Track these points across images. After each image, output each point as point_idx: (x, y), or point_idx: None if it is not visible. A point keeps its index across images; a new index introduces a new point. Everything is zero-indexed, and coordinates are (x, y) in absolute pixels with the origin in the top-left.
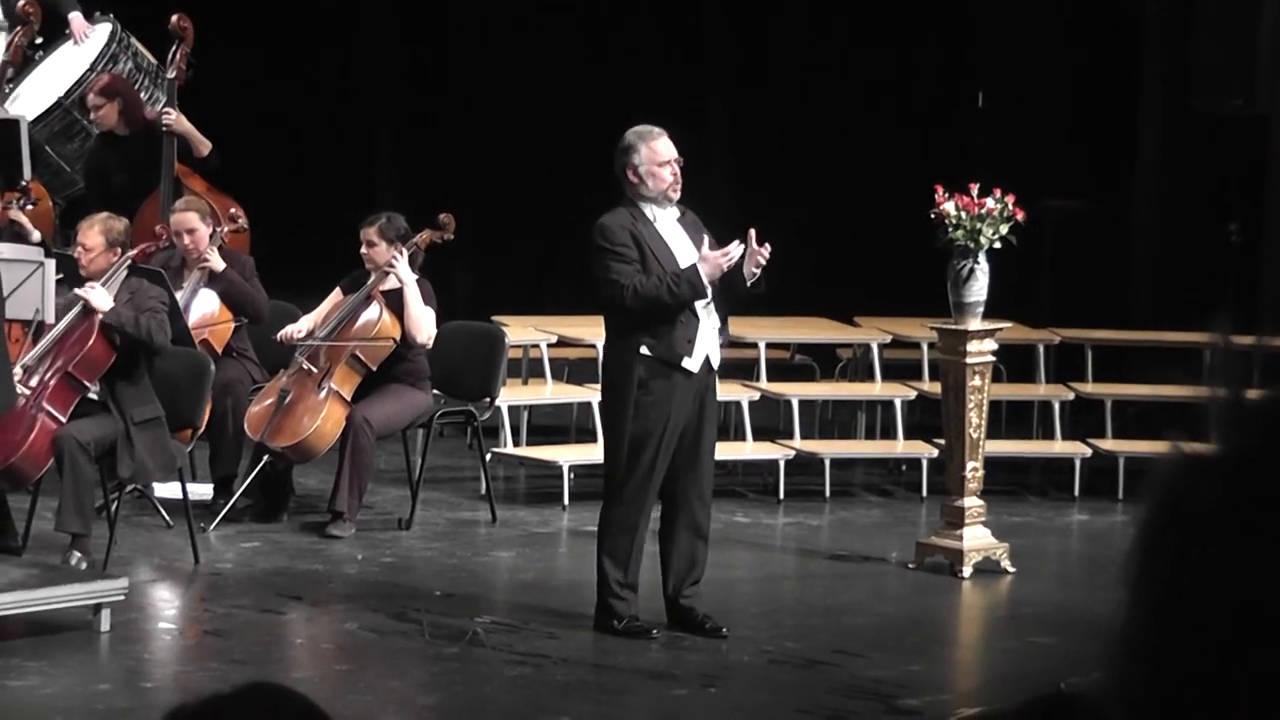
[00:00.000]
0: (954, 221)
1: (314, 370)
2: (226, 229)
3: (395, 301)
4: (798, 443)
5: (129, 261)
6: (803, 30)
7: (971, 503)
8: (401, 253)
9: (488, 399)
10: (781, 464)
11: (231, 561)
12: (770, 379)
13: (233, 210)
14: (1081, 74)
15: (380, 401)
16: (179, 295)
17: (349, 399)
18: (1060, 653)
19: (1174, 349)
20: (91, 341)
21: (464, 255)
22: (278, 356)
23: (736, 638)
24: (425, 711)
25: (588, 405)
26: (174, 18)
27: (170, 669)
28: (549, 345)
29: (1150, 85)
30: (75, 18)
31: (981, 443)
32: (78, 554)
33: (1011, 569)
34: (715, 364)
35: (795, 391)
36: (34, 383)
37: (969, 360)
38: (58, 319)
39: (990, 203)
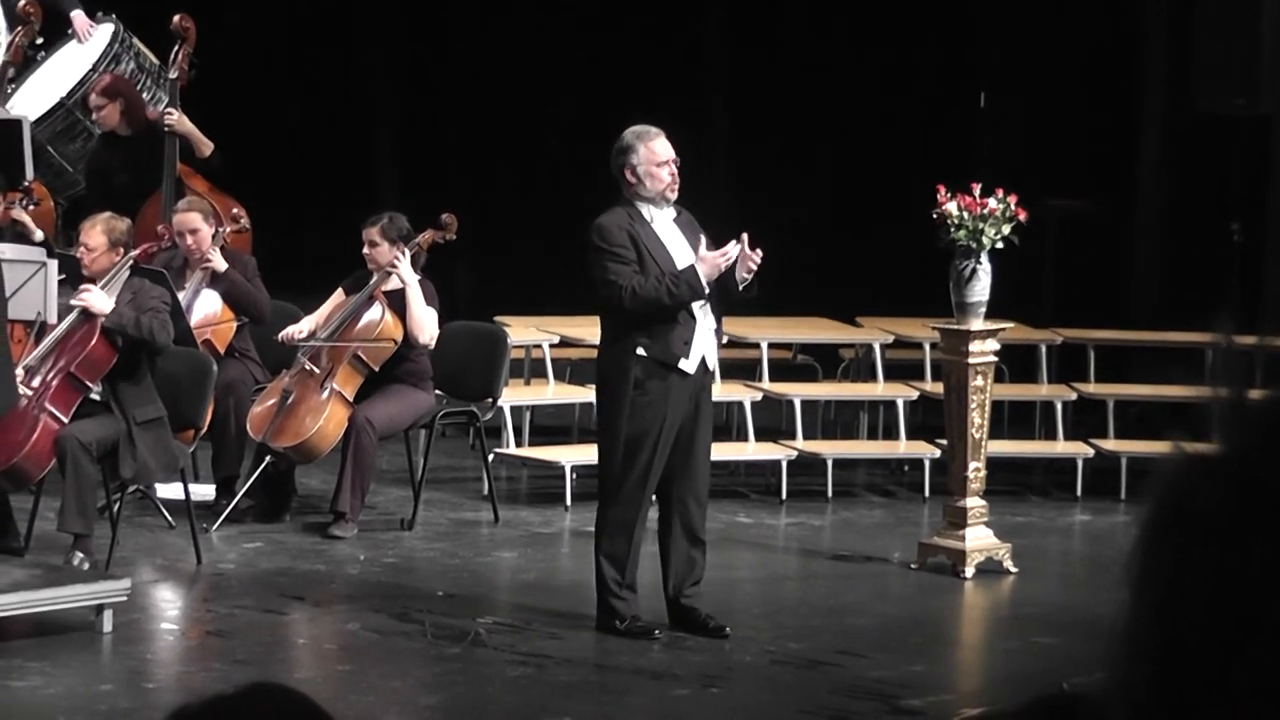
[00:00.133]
0: (956, 221)
1: (316, 371)
2: (229, 229)
3: (397, 302)
4: (800, 443)
5: (131, 262)
6: (804, 30)
7: (974, 503)
8: (404, 253)
9: (490, 399)
10: (784, 464)
11: (234, 562)
12: (772, 379)
13: (235, 210)
14: (1084, 74)
15: (383, 402)
16: (181, 295)
17: (351, 399)
18: (1062, 653)
19: (1176, 349)
20: (94, 342)
21: (466, 255)
22: (280, 357)
23: (739, 638)
24: (427, 712)
25: (590, 405)
26: (176, 18)
27: (173, 669)
28: (551, 345)
29: (1152, 85)
30: (77, 15)
31: (984, 443)
32: (80, 554)
33: (1014, 569)
34: (711, 365)
35: (797, 392)
36: (36, 383)
37: (971, 360)
38: (60, 319)
39: (992, 203)
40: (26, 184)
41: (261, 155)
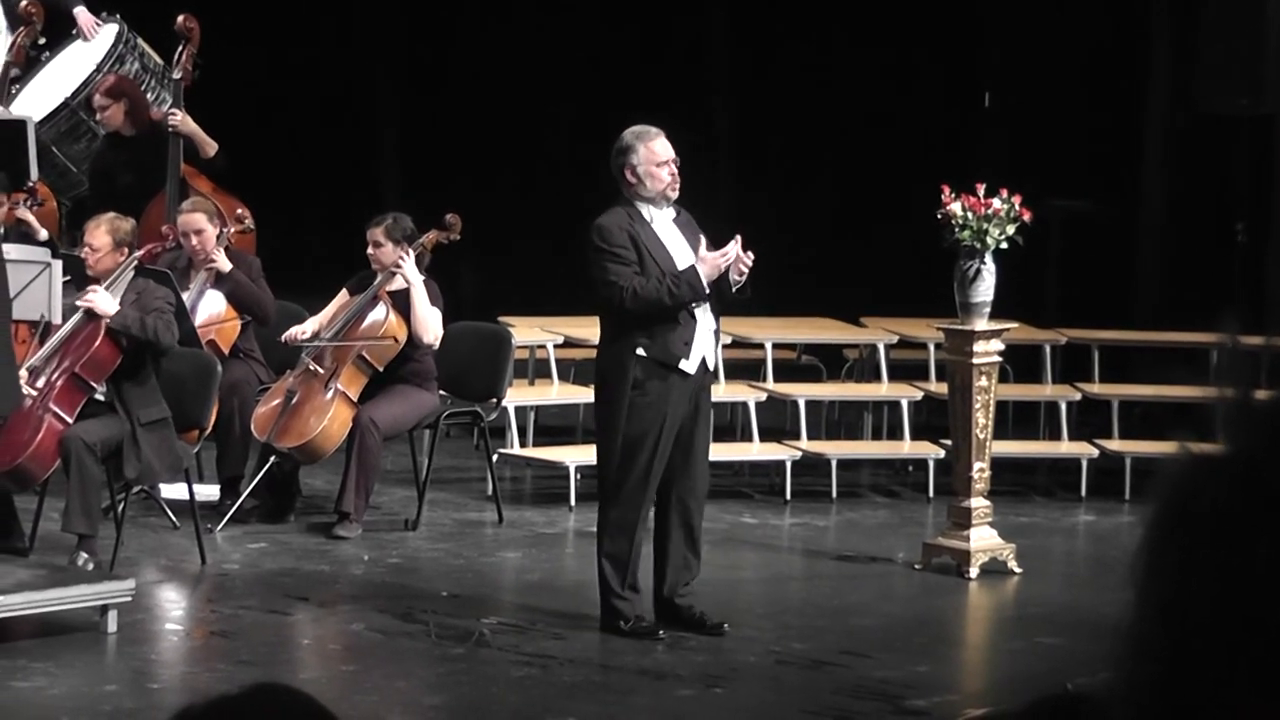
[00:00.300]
0: (961, 222)
1: (320, 371)
2: (233, 230)
3: (402, 302)
4: (804, 443)
5: (135, 262)
6: (806, 29)
7: (978, 503)
8: (408, 253)
9: (494, 399)
10: (788, 464)
11: (238, 562)
12: (777, 379)
13: (239, 211)
14: (1087, 74)
15: (387, 402)
16: (185, 296)
17: (355, 400)
18: (1067, 653)
19: (1180, 349)
20: (98, 342)
21: (470, 256)
22: (284, 357)
23: (743, 638)
24: (431, 712)
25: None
26: (180, 18)
27: (177, 670)
28: (555, 346)
29: (1156, 85)
30: (80, 12)
31: (988, 443)
32: (84, 555)
33: (1018, 569)
34: (711, 365)
35: (802, 392)
36: (41, 384)
37: (975, 361)
38: (65, 320)
39: (997, 203)
40: (31, 184)
41: (265, 156)
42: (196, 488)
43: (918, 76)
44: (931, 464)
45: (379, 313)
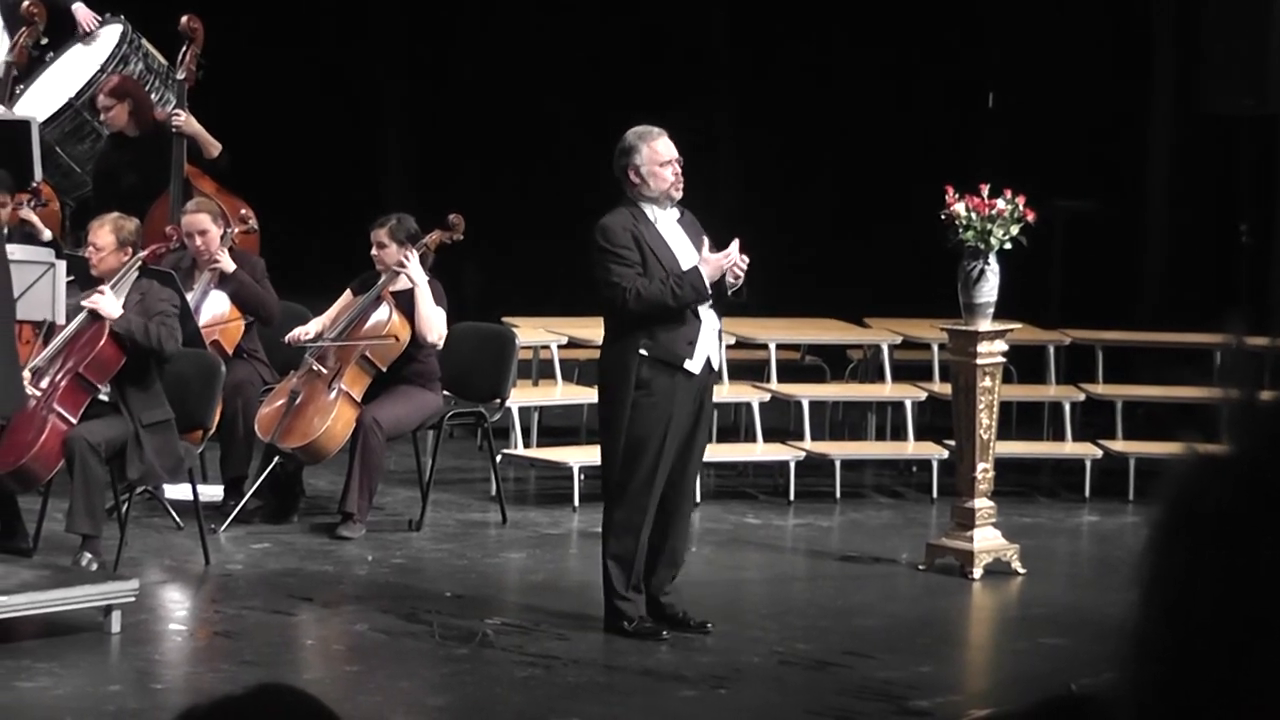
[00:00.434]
0: (964, 222)
1: (324, 371)
2: (237, 230)
3: (405, 302)
4: (808, 444)
5: (139, 262)
6: (806, 29)
7: (982, 504)
8: (412, 253)
9: (498, 400)
10: (792, 465)
11: (242, 563)
12: (780, 380)
13: (243, 211)
14: (1091, 74)
15: (390, 402)
16: (189, 296)
17: (359, 400)
18: (1071, 654)
19: (1184, 350)
20: (102, 343)
21: (474, 256)
22: (288, 358)
23: (746, 639)
24: (435, 712)
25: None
26: (184, 19)
27: (181, 670)
28: (559, 346)
29: (1160, 85)
30: (79, 8)
31: (992, 444)
32: (88, 555)
33: (1022, 570)
34: (716, 365)
35: (805, 392)
36: (44, 384)
37: (979, 361)
38: (68, 321)
39: (1000, 203)
40: (35, 185)
41: (269, 156)
42: (200, 488)
43: (918, 76)
44: (935, 464)
45: (382, 313)
